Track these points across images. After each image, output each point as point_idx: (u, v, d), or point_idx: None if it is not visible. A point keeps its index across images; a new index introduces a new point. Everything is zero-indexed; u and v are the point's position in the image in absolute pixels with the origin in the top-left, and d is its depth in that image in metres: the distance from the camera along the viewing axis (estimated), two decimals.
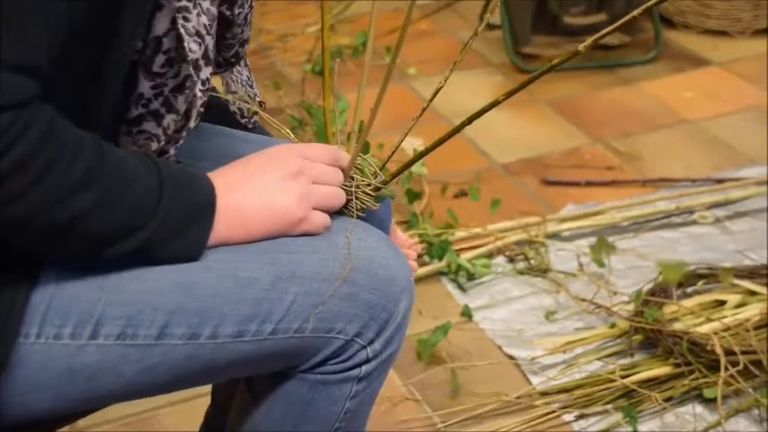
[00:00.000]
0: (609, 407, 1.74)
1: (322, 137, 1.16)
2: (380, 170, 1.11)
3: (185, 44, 0.99)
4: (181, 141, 1.05)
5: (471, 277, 2.07)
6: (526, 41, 2.93)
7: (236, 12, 1.12)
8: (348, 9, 3.25)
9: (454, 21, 3.26)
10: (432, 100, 1.07)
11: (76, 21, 0.89)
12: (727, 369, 1.71)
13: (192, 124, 1.04)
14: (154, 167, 0.96)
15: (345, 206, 1.08)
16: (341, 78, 2.66)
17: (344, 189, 1.08)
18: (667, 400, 1.75)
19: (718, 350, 1.72)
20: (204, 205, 0.98)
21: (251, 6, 1.14)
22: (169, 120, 1.03)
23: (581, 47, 1.01)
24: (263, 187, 1.02)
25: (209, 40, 1.02)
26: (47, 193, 0.88)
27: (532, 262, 2.12)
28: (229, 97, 1.23)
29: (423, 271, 2.07)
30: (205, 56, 1.01)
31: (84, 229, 0.92)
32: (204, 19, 1.01)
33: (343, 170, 1.08)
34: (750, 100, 2.78)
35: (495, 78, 2.87)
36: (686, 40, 3.12)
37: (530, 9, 2.91)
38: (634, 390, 1.75)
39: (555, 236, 2.20)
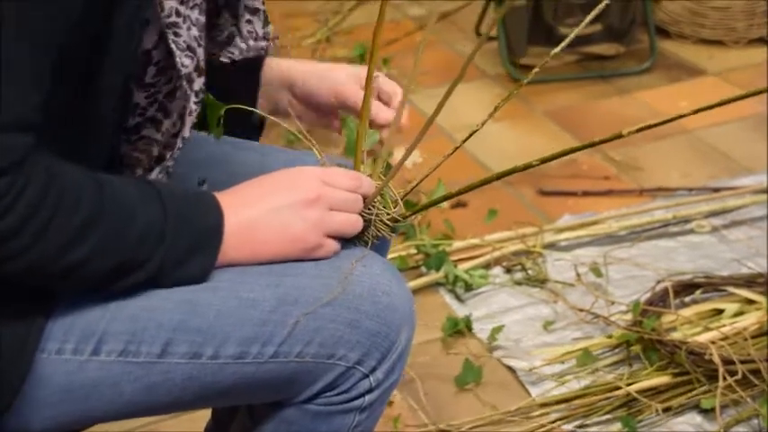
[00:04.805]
0: (608, 416, 1.74)
1: (351, 152, 1.12)
2: (402, 200, 1.08)
3: (177, 59, 0.97)
4: (177, 148, 1.04)
5: (469, 288, 2.07)
6: (522, 52, 2.93)
7: None
8: (344, 21, 3.26)
9: (451, 32, 3.26)
10: (453, 152, 1.08)
11: (62, 65, 0.88)
12: (725, 379, 1.71)
13: (186, 133, 1.03)
14: (156, 198, 0.95)
15: (360, 233, 1.06)
16: None
17: (363, 216, 1.05)
18: (666, 410, 1.75)
19: (716, 360, 1.72)
20: (211, 230, 0.97)
21: None
22: (168, 124, 1.03)
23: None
24: (278, 210, 1.00)
25: (201, 52, 1.01)
26: (45, 250, 0.88)
27: (530, 272, 2.12)
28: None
29: (420, 282, 2.07)
30: (197, 68, 1.00)
31: (85, 273, 0.92)
32: (194, 31, 0.99)
33: (364, 197, 1.06)
34: (746, 109, 2.78)
35: (494, 90, 2.87)
36: (681, 50, 3.12)
37: (525, 20, 2.91)
38: (633, 400, 1.75)
39: (552, 246, 2.20)
